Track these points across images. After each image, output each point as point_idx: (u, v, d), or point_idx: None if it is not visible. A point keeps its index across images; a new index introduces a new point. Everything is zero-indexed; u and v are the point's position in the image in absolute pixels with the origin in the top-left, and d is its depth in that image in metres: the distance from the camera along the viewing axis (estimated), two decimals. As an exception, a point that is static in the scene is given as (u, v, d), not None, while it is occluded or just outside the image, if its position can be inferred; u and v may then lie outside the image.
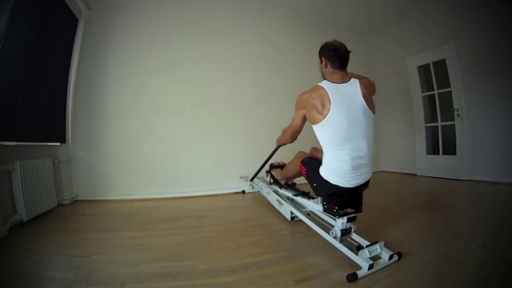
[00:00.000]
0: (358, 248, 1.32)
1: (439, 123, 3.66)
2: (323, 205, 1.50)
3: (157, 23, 3.15)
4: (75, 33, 2.81)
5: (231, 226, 1.96)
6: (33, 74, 2.18)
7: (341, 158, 1.30)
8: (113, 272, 1.27)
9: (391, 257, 1.25)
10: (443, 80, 3.51)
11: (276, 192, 2.27)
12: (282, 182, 2.27)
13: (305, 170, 1.57)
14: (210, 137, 3.25)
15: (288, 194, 2.11)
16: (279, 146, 2.11)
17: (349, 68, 1.43)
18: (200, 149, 3.21)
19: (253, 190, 3.04)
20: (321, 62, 1.45)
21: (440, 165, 3.62)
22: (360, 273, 1.15)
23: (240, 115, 3.39)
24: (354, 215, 1.41)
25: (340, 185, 1.33)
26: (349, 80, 1.36)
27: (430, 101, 3.85)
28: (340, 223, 1.41)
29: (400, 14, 3.88)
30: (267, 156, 2.44)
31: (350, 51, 1.39)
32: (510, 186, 2.74)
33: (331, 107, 1.26)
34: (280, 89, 3.56)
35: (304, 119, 1.43)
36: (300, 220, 1.82)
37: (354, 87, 1.33)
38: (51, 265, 1.37)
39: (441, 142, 3.64)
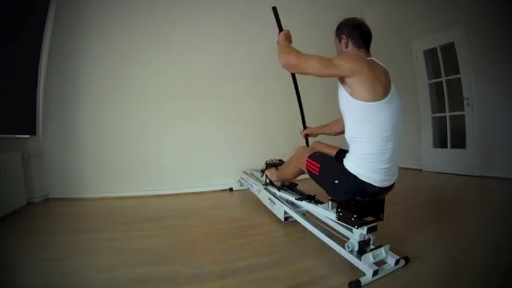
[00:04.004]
0: (360, 252, 1.18)
1: (447, 114, 3.43)
2: (337, 212, 1.26)
3: (138, 8, 2.94)
4: (46, 11, 2.60)
5: (218, 227, 1.91)
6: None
7: (384, 150, 1.08)
8: (87, 278, 1.21)
9: (397, 262, 1.15)
10: (452, 65, 3.27)
11: (273, 193, 2.01)
12: (278, 184, 1.98)
13: (318, 165, 1.28)
14: (195, 129, 3.12)
15: (289, 197, 1.82)
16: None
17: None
18: (184, 142, 3.09)
19: (242, 187, 2.95)
20: (340, 41, 1.22)
21: (448, 159, 3.40)
22: (363, 280, 1.05)
23: (228, 106, 3.26)
24: (375, 224, 1.17)
25: (372, 182, 1.10)
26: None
27: (437, 89, 3.59)
28: (358, 234, 1.16)
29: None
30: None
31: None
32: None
33: (391, 90, 1.07)
34: (271, 80, 3.35)
35: (338, 73, 1.06)
36: (295, 220, 1.71)
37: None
38: (20, 270, 1.29)
39: (449, 134, 3.41)
